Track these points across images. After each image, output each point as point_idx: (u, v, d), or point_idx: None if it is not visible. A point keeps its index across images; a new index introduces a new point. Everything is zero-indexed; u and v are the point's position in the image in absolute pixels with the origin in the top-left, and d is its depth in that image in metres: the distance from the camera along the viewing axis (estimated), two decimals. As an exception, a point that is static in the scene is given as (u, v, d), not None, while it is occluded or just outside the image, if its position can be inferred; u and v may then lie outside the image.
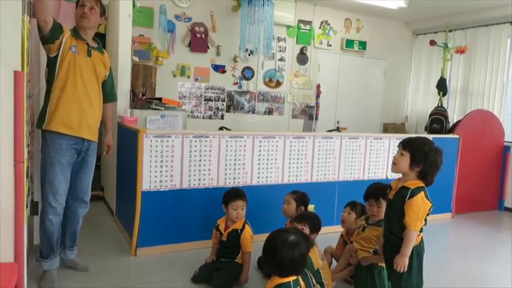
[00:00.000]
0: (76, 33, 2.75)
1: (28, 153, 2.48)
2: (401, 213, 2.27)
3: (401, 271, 2.27)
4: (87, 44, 2.79)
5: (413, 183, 2.28)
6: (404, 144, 2.33)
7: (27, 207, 2.28)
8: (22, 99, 1.92)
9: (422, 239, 2.37)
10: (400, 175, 2.38)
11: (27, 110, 2.31)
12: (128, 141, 3.52)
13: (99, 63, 2.86)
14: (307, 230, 2.70)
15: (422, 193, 2.26)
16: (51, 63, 2.68)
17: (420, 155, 2.26)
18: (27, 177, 2.26)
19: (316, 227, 2.78)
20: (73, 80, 2.69)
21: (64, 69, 2.67)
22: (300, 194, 3.20)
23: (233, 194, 3.00)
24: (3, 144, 1.90)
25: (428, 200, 2.28)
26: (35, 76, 3.09)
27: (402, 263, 2.26)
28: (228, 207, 2.96)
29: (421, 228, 2.31)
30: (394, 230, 2.33)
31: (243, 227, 2.96)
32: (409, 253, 2.26)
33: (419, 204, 2.23)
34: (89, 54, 2.78)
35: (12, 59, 1.89)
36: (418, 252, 2.34)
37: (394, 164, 2.35)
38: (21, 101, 1.92)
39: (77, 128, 2.72)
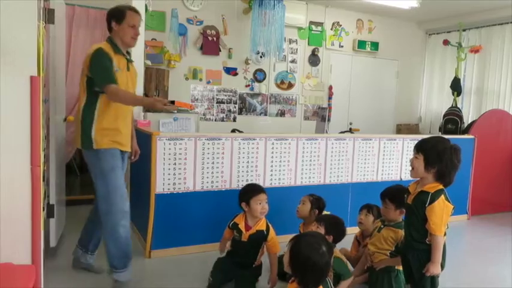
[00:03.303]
0: (117, 48, 2.72)
1: (44, 156, 2.52)
2: (422, 218, 2.21)
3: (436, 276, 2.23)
4: (127, 58, 2.78)
5: (432, 186, 2.22)
6: (418, 147, 2.28)
7: (43, 210, 2.31)
8: (38, 103, 1.95)
9: (444, 242, 2.32)
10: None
11: (43, 114, 2.34)
12: (141, 144, 3.53)
13: (134, 74, 2.88)
14: (321, 230, 2.69)
15: (442, 196, 2.20)
16: (94, 87, 2.64)
17: (434, 155, 2.20)
18: (43, 180, 2.29)
19: (332, 231, 2.73)
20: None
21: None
22: (317, 198, 3.17)
23: (255, 189, 2.90)
24: (20, 148, 1.93)
25: (449, 202, 2.22)
26: (51, 81, 3.13)
27: (436, 270, 2.21)
28: (251, 203, 2.81)
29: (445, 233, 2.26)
30: (416, 235, 2.28)
31: (268, 227, 2.83)
32: (440, 259, 2.20)
33: (441, 209, 2.18)
34: (128, 68, 2.78)
35: (29, 64, 1.92)
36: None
37: (412, 169, 2.29)
38: (37, 106, 1.94)
39: (126, 144, 2.77)
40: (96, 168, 2.69)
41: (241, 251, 2.86)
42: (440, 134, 6.12)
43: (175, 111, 2.78)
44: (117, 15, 2.73)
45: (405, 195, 2.40)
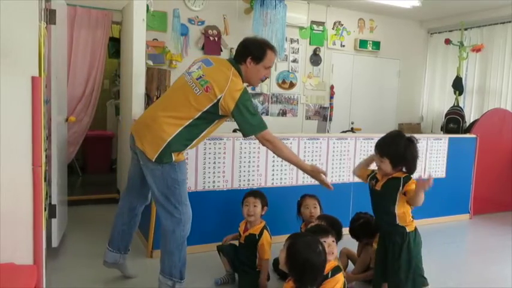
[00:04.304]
0: (241, 80, 2.59)
1: (46, 157, 2.52)
2: (393, 201, 2.42)
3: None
4: None
5: (400, 174, 2.45)
6: (380, 151, 2.45)
7: (45, 210, 2.32)
8: (40, 104, 1.96)
9: (419, 233, 2.52)
10: None
11: (45, 114, 2.35)
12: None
13: None
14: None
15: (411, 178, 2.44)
16: (211, 117, 2.51)
17: (398, 158, 2.41)
18: (45, 180, 2.30)
19: (334, 228, 2.73)
20: (214, 129, 2.63)
21: (217, 123, 2.58)
22: (319, 198, 3.17)
23: (247, 192, 2.99)
24: (21, 149, 1.93)
25: None
26: (53, 81, 3.14)
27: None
28: (243, 206, 2.93)
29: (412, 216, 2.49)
30: (387, 218, 2.47)
31: (261, 232, 2.86)
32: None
33: (413, 185, 2.40)
34: None
35: (30, 64, 1.93)
36: (414, 239, 2.47)
37: (379, 168, 2.50)
38: (38, 106, 1.95)
39: None
40: (171, 179, 2.50)
41: (242, 254, 2.93)
42: (442, 133, 6.10)
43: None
44: (257, 54, 2.58)
45: (373, 181, 2.56)
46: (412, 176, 2.44)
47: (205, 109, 2.45)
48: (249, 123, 2.49)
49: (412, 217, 2.48)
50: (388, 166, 2.42)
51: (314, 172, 2.71)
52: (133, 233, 2.93)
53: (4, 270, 1.85)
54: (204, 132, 2.56)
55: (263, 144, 2.60)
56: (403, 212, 2.43)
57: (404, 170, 2.45)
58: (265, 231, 2.87)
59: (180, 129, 2.45)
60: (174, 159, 2.48)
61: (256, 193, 2.97)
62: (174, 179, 2.51)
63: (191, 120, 2.46)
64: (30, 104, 1.92)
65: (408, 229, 2.45)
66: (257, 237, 2.86)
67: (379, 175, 2.53)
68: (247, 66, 2.58)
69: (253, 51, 2.58)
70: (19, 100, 1.91)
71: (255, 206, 2.89)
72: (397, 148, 2.40)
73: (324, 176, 2.71)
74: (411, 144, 2.42)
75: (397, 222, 2.43)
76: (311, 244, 1.97)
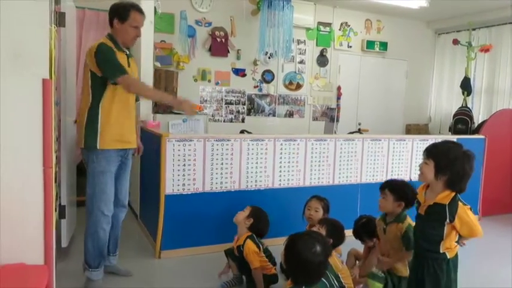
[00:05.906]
0: (117, 45, 2.70)
1: (56, 158, 2.55)
2: (436, 231, 2.14)
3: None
4: (127, 54, 2.77)
5: (444, 195, 2.11)
6: (428, 152, 2.16)
7: (55, 211, 2.34)
8: (50, 106, 1.98)
9: (458, 255, 2.23)
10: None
11: (55, 116, 2.37)
12: (151, 145, 3.56)
13: (134, 70, 2.86)
14: (322, 232, 2.68)
15: (460, 204, 2.11)
16: (98, 83, 2.63)
17: (445, 163, 2.08)
18: (55, 181, 2.32)
19: (332, 235, 2.68)
20: (120, 95, 2.66)
21: (111, 87, 2.63)
22: (326, 201, 3.16)
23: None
24: (32, 150, 1.95)
25: (464, 204, 2.15)
26: (62, 83, 3.17)
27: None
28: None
29: (457, 240, 2.20)
30: (427, 246, 2.18)
31: (244, 242, 2.80)
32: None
33: (465, 215, 2.13)
34: (129, 64, 2.75)
35: (41, 67, 1.95)
36: (454, 265, 2.21)
37: (420, 173, 2.19)
38: (49, 108, 1.97)
39: (128, 141, 2.77)
40: (90, 168, 2.70)
41: (239, 264, 2.89)
42: (450, 134, 6.07)
43: (196, 113, 2.91)
44: (120, 14, 2.69)
45: (416, 205, 2.32)
46: (458, 195, 2.13)
47: (90, 81, 2.64)
48: (110, 70, 2.58)
49: (457, 241, 2.21)
50: (430, 170, 2.10)
51: (185, 104, 2.71)
52: (114, 237, 2.96)
53: (15, 270, 1.87)
54: (102, 100, 2.63)
55: (128, 90, 2.64)
56: (450, 240, 2.16)
57: (447, 185, 2.10)
58: (247, 240, 2.80)
59: (88, 106, 2.65)
60: (99, 145, 2.62)
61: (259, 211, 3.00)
62: (92, 168, 2.67)
63: (90, 96, 2.64)
64: (41, 106, 1.94)
65: (449, 255, 2.17)
66: (241, 248, 2.81)
67: (420, 195, 2.25)
68: (116, 28, 2.70)
69: (117, 12, 2.70)
70: (30, 102, 1.93)
71: (244, 209, 2.92)
72: (448, 153, 2.09)
73: (187, 102, 2.72)
74: (467, 157, 2.08)
75: (440, 250, 2.15)
76: (308, 243, 1.98)
